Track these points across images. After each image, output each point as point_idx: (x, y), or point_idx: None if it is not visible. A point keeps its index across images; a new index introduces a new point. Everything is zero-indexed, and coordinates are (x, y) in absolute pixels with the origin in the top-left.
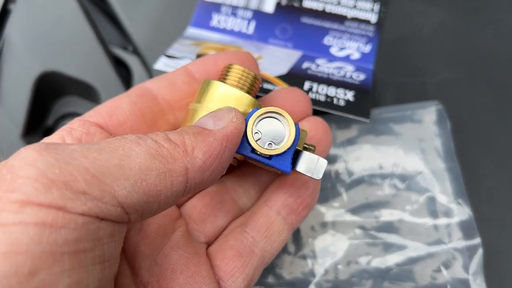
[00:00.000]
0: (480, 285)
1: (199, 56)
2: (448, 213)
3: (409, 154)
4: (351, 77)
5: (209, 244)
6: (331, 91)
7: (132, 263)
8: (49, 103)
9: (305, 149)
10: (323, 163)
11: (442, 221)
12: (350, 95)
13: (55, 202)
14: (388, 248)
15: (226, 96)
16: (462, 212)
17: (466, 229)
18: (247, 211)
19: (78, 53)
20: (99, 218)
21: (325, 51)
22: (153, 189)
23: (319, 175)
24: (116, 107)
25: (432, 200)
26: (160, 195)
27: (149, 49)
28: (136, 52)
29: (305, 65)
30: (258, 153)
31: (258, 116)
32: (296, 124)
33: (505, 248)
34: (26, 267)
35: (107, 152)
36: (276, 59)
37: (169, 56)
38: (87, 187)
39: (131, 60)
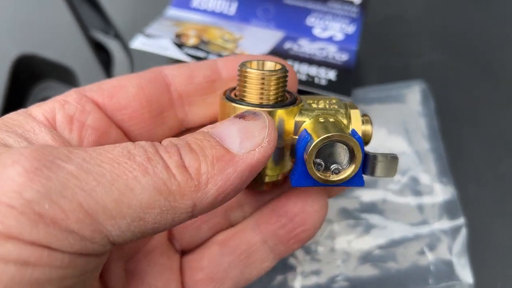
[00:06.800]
0: (464, 266)
1: (178, 36)
2: (431, 193)
3: (393, 134)
4: (333, 57)
5: (184, 252)
6: (312, 70)
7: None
8: (28, 88)
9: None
10: (395, 160)
11: (425, 200)
12: (332, 75)
13: (40, 241)
14: (371, 229)
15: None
16: (445, 191)
17: (450, 209)
18: (234, 227)
19: (56, 36)
20: (86, 255)
21: (307, 32)
22: (150, 227)
23: (393, 174)
24: (121, 87)
25: (415, 180)
26: (157, 231)
27: (130, 32)
28: (117, 36)
29: (287, 45)
30: (326, 183)
31: (317, 148)
32: (358, 137)
33: (490, 228)
34: None
35: (107, 181)
36: (258, 39)
37: (147, 35)
38: (78, 227)
39: (112, 44)
